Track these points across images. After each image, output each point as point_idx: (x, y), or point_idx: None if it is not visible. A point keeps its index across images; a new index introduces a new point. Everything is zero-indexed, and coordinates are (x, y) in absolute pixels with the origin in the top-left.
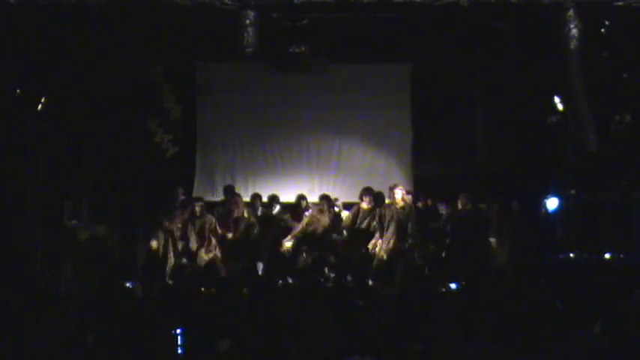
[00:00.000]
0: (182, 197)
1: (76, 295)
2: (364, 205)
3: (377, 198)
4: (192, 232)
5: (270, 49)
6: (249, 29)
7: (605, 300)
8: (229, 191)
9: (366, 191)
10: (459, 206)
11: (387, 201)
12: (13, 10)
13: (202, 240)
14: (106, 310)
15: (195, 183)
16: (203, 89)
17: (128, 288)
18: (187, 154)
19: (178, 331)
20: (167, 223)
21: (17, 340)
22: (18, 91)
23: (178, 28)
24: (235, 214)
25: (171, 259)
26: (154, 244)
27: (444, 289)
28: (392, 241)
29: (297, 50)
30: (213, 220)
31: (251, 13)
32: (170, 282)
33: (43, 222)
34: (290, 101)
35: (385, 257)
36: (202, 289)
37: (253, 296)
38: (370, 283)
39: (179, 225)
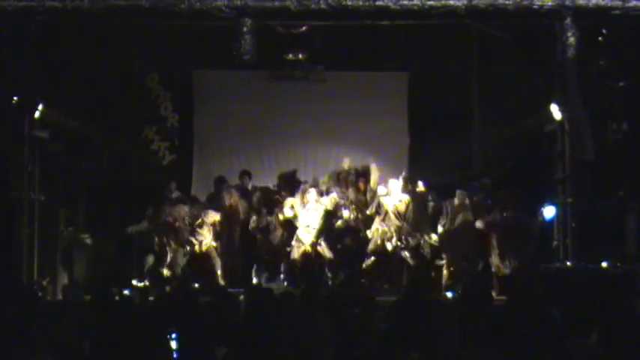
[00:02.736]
0: (177, 192)
1: (73, 302)
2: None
3: None
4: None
5: (267, 57)
6: (247, 37)
7: (601, 309)
8: (219, 183)
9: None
10: (456, 202)
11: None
12: (11, 17)
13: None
14: (102, 317)
15: (192, 190)
16: (200, 97)
17: (125, 295)
18: (184, 162)
19: (174, 337)
20: (168, 217)
21: (14, 348)
22: (15, 98)
23: (175, 35)
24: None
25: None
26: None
27: (440, 297)
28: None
29: (294, 58)
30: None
31: (248, 21)
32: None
33: (39, 229)
34: (287, 109)
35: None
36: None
37: (250, 303)
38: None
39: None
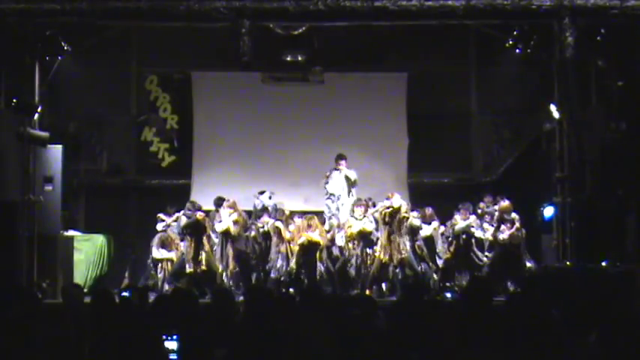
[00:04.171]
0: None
1: (73, 304)
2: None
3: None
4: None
5: (265, 58)
6: (245, 38)
7: (601, 308)
8: (217, 202)
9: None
10: (460, 218)
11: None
12: (9, 19)
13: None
14: (102, 319)
15: (192, 191)
16: (199, 99)
17: (125, 297)
18: (184, 163)
19: (176, 339)
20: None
21: (14, 350)
22: (14, 100)
23: (174, 37)
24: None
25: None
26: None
27: (439, 298)
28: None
29: (292, 59)
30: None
31: (246, 22)
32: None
33: (39, 231)
34: (286, 110)
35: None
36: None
37: (249, 304)
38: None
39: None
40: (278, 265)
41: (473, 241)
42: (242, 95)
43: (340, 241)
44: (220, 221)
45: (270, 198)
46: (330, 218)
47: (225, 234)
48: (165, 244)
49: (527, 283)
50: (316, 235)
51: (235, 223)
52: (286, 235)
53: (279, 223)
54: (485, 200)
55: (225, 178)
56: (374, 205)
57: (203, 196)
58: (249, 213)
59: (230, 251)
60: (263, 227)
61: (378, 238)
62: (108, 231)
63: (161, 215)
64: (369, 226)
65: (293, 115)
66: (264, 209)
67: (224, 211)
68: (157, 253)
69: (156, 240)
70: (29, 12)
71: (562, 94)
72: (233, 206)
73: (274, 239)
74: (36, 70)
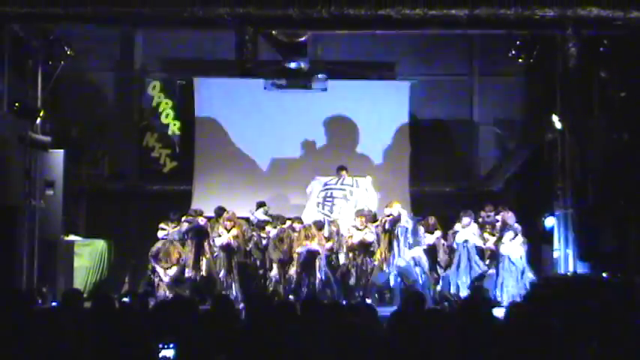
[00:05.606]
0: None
1: (73, 309)
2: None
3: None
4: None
5: (268, 65)
6: (249, 45)
7: (602, 319)
8: (218, 212)
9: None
10: (461, 226)
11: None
12: (13, 21)
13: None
14: (102, 325)
15: (194, 197)
16: (201, 105)
17: (125, 302)
18: (185, 169)
19: (172, 347)
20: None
21: (13, 355)
22: (17, 104)
23: (177, 43)
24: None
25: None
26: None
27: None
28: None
29: (296, 66)
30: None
31: (250, 29)
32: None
33: (40, 235)
34: (288, 117)
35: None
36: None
37: (249, 311)
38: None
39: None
40: (278, 274)
41: (474, 250)
42: (244, 102)
43: (340, 249)
44: (219, 235)
45: (265, 213)
46: (329, 224)
47: (226, 248)
48: (167, 257)
49: (528, 293)
50: (315, 245)
51: (235, 237)
52: (280, 256)
53: (276, 255)
54: (486, 209)
55: (227, 185)
56: (374, 219)
57: (204, 203)
58: (248, 220)
59: (233, 264)
60: (266, 238)
61: (378, 248)
62: (108, 236)
63: (162, 225)
64: (370, 237)
65: (295, 122)
66: (262, 222)
67: (222, 227)
68: (153, 263)
69: (154, 251)
70: (32, 16)
71: (564, 104)
72: (232, 218)
73: (273, 252)
74: (38, 74)
